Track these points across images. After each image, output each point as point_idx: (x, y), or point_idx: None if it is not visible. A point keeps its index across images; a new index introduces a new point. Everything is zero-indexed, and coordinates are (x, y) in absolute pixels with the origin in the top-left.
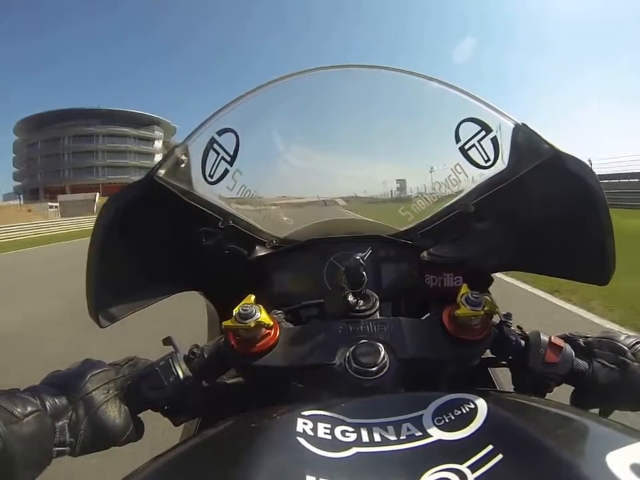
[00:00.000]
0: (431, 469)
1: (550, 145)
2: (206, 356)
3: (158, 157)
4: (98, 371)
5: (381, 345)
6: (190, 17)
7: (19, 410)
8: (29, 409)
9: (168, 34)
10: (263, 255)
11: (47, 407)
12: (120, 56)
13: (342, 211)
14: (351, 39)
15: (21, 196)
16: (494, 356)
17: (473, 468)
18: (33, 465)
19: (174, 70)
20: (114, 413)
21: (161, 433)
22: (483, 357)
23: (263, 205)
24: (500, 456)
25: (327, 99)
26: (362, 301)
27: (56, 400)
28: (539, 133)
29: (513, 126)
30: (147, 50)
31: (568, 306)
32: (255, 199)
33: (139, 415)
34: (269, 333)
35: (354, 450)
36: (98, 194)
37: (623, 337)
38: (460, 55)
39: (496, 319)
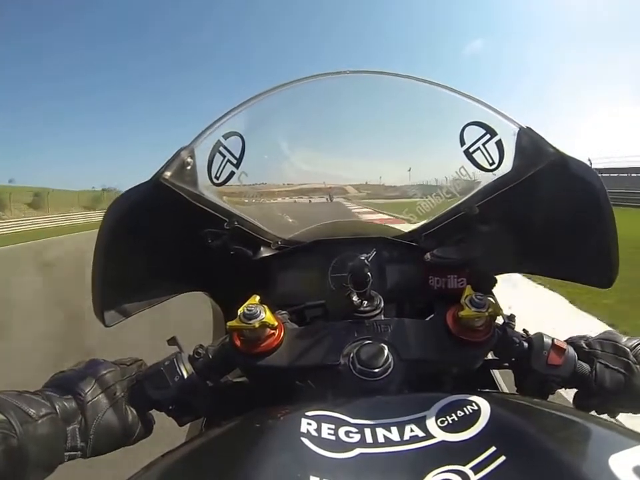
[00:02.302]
0: (434, 469)
1: (554, 148)
2: (210, 356)
3: None
4: (104, 372)
5: (385, 345)
6: None
7: (33, 411)
8: (44, 411)
9: None
10: (268, 256)
11: (58, 410)
12: None
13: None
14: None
15: None
16: (497, 357)
17: (475, 469)
18: (43, 466)
19: None
20: (121, 415)
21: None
22: (486, 358)
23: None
24: (503, 457)
25: (333, 104)
26: (366, 302)
27: (65, 404)
28: (543, 136)
29: (518, 129)
30: None
31: None
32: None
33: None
34: (274, 334)
35: (357, 450)
36: None
37: (624, 339)
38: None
39: (499, 320)
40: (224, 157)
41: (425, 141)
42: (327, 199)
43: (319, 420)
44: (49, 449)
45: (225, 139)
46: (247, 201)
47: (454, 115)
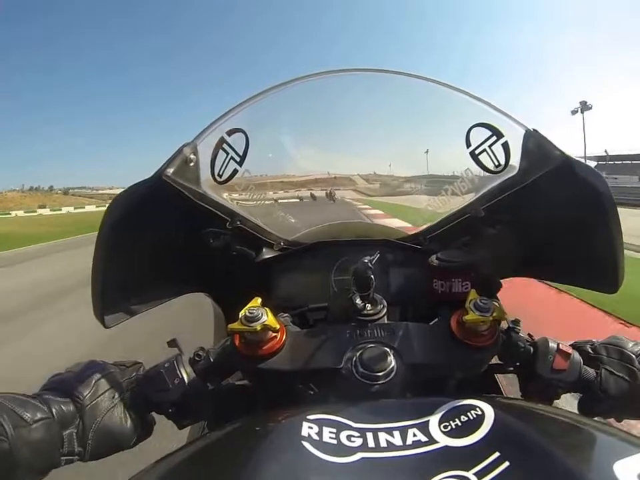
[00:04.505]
0: (437, 475)
1: (561, 151)
2: (211, 359)
3: None
4: (103, 374)
5: (388, 349)
6: None
7: (28, 415)
8: (39, 415)
9: None
10: (270, 257)
11: (55, 414)
12: None
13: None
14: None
15: None
16: (501, 362)
17: (479, 475)
18: (36, 472)
19: None
20: (120, 418)
21: None
22: (490, 362)
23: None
24: (506, 463)
25: (338, 102)
26: (369, 305)
27: (63, 407)
28: (549, 139)
29: (524, 132)
30: None
31: None
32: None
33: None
34: (275, 337)
35: (359, 455)
36: None
37: (630, 345)
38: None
39: (504, 324)
40: (227, 154)
41: (431, 141)
42: (327, 196)
43: (320, 424)
44: (43, 453)
45: (229, 136)
46: (248, 195)
47: (460, 116)
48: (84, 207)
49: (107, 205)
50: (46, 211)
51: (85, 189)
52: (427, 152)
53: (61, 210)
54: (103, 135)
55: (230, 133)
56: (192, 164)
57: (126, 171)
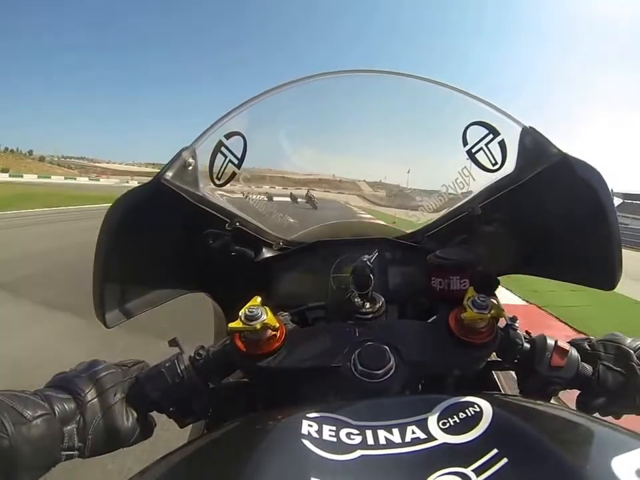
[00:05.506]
0: (435, 472)
1: (558, 148)
2: (211, 357)
3: None
4: (104, 373)
5: (386, 347)
6: None
7: (29, 412)
8: (39, 412)
9: None
10: (270, 257)
11: (56, 411)
12: None
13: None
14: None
15: None
16: (499, 359)
17: (477, 471)
18: (37, 467)
19: None
20: (121, 416)
21: None
22: (488, 360)
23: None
24: (505, 460)
25: (336, 103)
26: (368, 303)
27: (64, 404)
28: (546, 136)
29: (521, 129)
30: None
31: None
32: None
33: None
34: (275, 335)
35: (359, 452)
36: None
37: (628, 341)
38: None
39: (502, 322)
40: (225, 157)
41: (428, 141)
42: (307, 201)
43: (320, 422)
44: (44, 449)
45: (227, 139)
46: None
47: (456, 115)
48: (49, 177)
49: (109, 207)
50: (4, 176)
51: (83, 159)
52: (468, 155)
53: (22, 177)
54: (117, 109)
55: (228, 136)
56: (190, 167)
57: (131, 149)
